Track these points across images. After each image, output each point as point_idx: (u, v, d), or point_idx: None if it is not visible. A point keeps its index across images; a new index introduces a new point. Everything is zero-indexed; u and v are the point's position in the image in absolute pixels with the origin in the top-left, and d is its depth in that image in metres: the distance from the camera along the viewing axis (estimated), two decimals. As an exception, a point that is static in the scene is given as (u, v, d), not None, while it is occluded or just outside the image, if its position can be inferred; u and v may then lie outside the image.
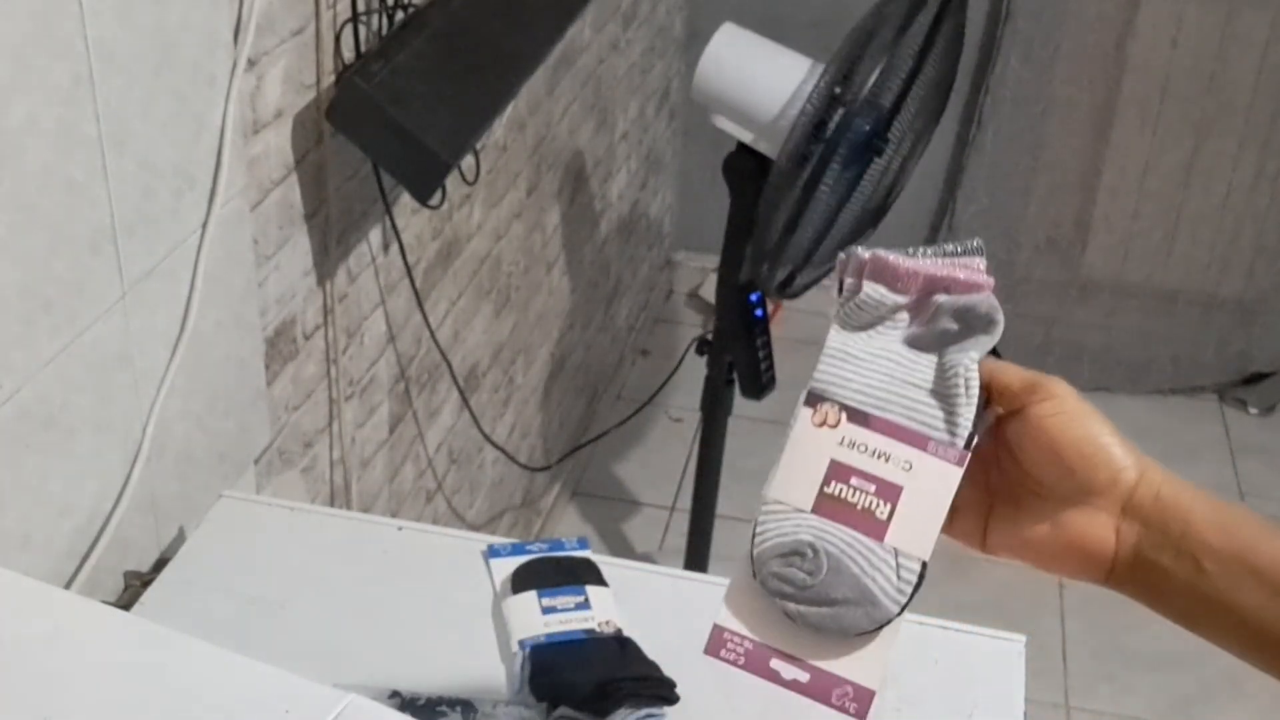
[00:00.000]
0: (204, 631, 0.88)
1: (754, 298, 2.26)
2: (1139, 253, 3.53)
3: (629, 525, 3.07)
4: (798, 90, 1.97)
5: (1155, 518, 0.69)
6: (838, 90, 1.85)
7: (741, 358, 2.34)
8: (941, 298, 0.73)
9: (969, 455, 0.70)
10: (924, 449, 0.70)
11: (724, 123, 2.12)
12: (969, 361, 0.71)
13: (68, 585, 1.13)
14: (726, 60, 2.09)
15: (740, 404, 2.42)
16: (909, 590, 0.69)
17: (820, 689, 0.68)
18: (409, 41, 1.55)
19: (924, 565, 0.69)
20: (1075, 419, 0.69)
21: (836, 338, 0.74)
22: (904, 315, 0.74)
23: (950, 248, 0.75)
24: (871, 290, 0.74)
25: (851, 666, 0.68)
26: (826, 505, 0.70)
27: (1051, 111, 3.39)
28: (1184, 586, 0.69)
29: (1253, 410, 3.50)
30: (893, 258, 0.74)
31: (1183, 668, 2.74)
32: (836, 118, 1.88)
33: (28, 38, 0.98)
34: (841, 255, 0.77)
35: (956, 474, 0.70)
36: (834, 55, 1.89)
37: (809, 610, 0.69)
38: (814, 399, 0.72)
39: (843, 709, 0.68)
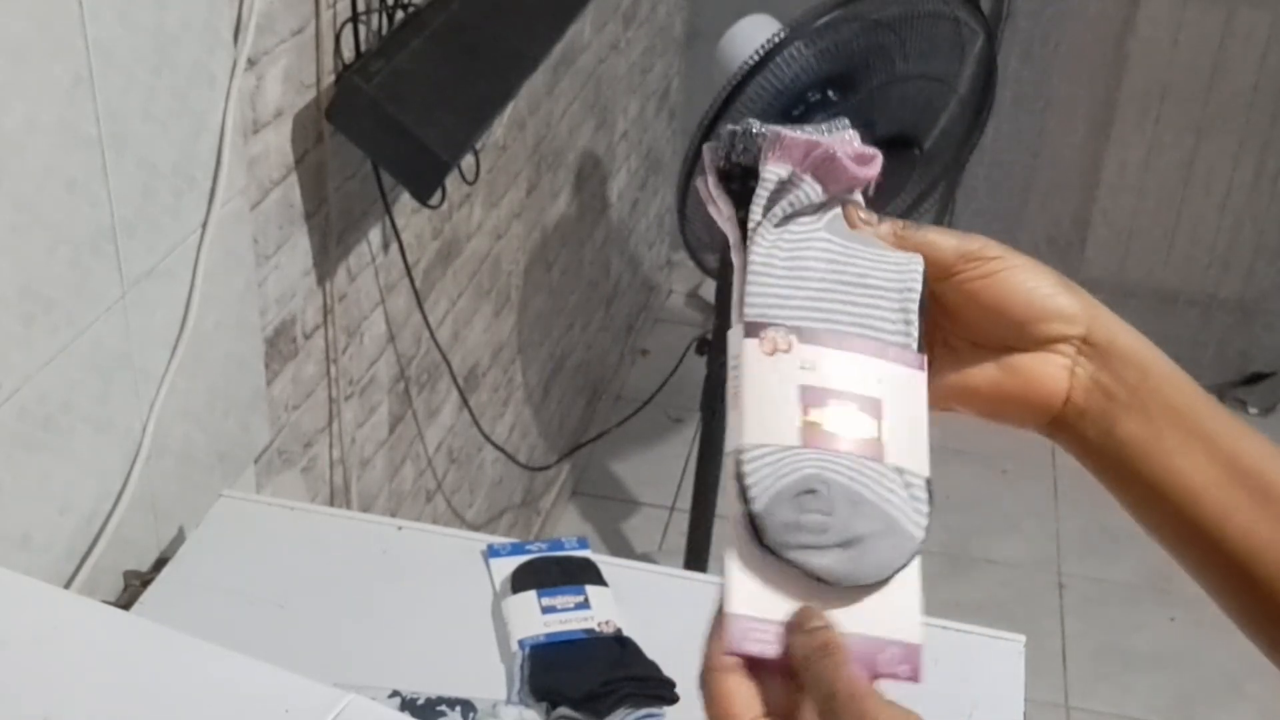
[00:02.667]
0: (204, 631, 0.88)
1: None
2: (1139, 252, 3.53)
3: (629, 525, 3.07)
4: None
5: (1111, 361, 0.65)
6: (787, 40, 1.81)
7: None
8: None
9: (925, 357, 0.63)
10: (885, 358, 0.62)
11: None
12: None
13: (68, 585, 1.13)
14: (738, 40, 2.11)
15: (740, 404, 2.41)
16: (926, 511, 0.60)
17: (865, 660, 0.58)
18: (409, 41, 1.55)
19: (929, 483, 0.61)
20: (1014, 275, 0.65)
21: (761, 246, 0.63)
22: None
23: (824, 128, 0.66)
24: (810, 189, 0.64)
25: (888, 623, 0.59)
26: (814, 434, 0.59)
27: (1051, 110, 3.39)
28: (1131, 437, 0.64)
29: (1253, 410, 3.51)
30: (839, 156, 0.64)
31: (1183, 668, 2.74)
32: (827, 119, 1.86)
33: (28, 38, 0.98)
34: (754, 133, 0.64)
35: (922, 379, 0.63)
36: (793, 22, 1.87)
37: (835, 558, 0.57)
38: (754, 329, 0.61)
39: (894, 675, 0.58)
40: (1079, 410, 0.66)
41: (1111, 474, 0.66)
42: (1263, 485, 0.62)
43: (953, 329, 0.67)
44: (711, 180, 0.66)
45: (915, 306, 0.64)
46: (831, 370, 0.61)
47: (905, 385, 0.62)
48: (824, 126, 0.66)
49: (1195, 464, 0.63)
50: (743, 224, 0.65)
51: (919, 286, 0.64)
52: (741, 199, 0.66)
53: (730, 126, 0.66)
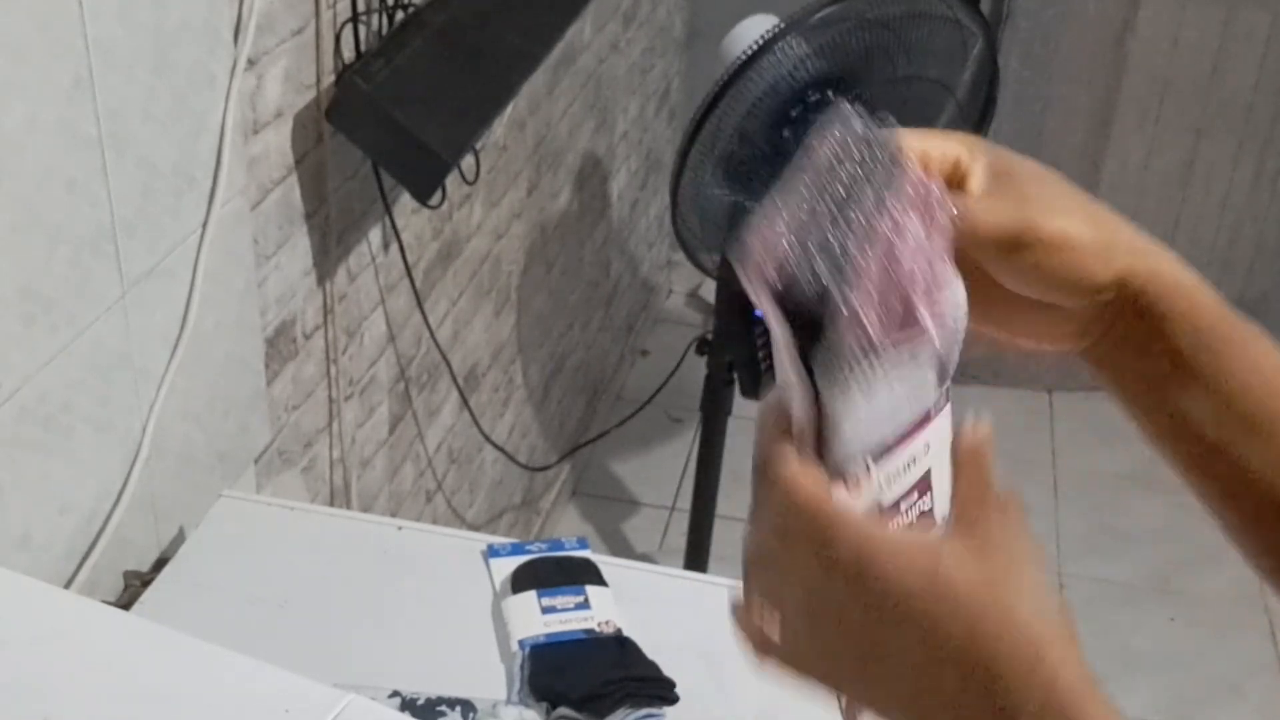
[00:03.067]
0: (204, 631, 0.88)
1: (754, 297, 2.26)
2: (1139, 252, 3.53)
3: (629, 525, 3.06)
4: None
5: (1127, 316, 0.66)
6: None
7: (741, 357, 2.34)
8: None
9: (948, 389, 0.63)
10: (930, 422, 0.62)
11: None
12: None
13: (68, 585, 1.13)
14: (741, 40, 2.11)
15: (740, 404, 2.42)
16: None
17: None
18: (409, 41, 1.55)
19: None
20: (1050, 259, 0.65)
21: (840, 408, 0.58)
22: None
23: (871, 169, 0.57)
24: (885, 361, 0.57)
25: None
26: None
27: (1051, 110, 3.38)
28: (1136, 378, 0.68)
29: (1253, 410, 3.51)
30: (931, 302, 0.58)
31: (1183, 668, 2.74)
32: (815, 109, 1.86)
33: (28, 38, 0.98)
34: (823, 278, 0.55)
35: (948, 413, 0.63)
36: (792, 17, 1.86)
37: None
38: (837, 474, 0.59)
39: None
40: (1086, 353, 0.69)
41: (1119, 402, 0.69)
42: (1261, 419, 0.65)
43: (980, 278, 0.64)
44: (764, 295, 0.57)
45: (951, 370, 0.63)
46: (898, 472, 0.62)
47: (941, 437, 0.63)
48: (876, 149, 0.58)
49: (1196, 405, 0.66)
50: (802, 356, 0.57)
51: (956, 358, 0.63)
52: (798, 325, 0.57)
53: (792, 242, 0.56)
